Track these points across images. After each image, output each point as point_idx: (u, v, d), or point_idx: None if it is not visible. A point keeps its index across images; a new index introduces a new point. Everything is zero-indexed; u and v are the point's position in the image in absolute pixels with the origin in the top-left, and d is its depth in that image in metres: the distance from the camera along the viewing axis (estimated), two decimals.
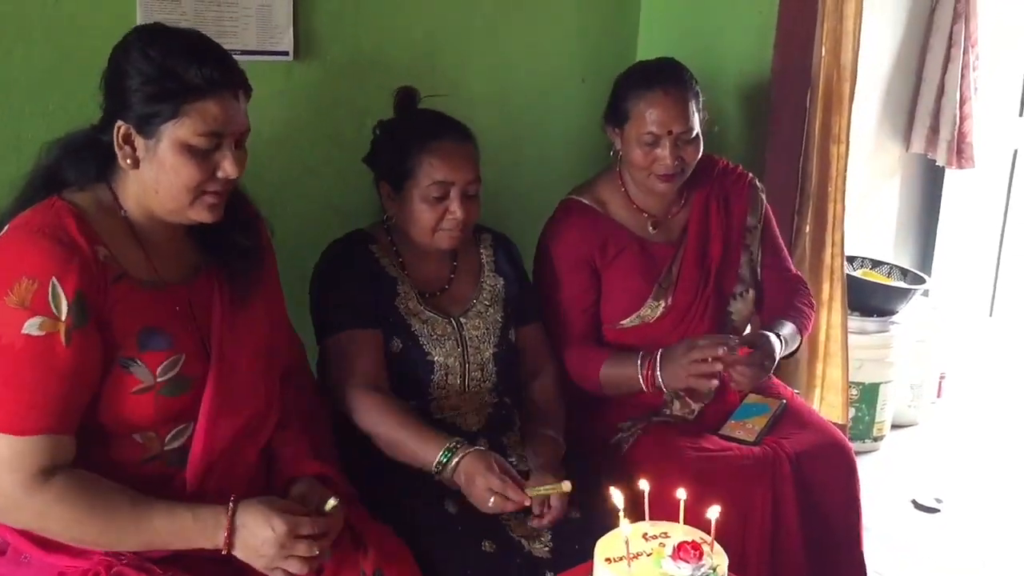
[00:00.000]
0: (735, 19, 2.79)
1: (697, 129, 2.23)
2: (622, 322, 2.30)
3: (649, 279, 2.29)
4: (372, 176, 2.14)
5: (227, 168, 1.52)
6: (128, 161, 1.50)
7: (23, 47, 1.92)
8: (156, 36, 1.50)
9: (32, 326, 1.39)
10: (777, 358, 2.22)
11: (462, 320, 2.10)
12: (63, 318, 1.40)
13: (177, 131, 1.47)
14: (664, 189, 2.26)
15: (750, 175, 2.44)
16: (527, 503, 1.81)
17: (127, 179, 1.53)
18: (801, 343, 2.39)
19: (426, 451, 1.88)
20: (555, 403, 2.18)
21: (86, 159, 1.53)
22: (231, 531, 1.48)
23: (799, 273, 2.53)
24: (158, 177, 1.50)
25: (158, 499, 1.49)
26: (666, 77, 2.23)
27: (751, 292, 2.39)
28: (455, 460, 1.85)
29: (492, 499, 1.80)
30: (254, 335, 1.66)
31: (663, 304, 2.28)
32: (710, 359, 2.10)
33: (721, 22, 2.82)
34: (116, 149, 1.49)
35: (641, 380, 2.19)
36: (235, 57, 2.09)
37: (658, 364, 2.17)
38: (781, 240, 2.50)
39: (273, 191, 2.27)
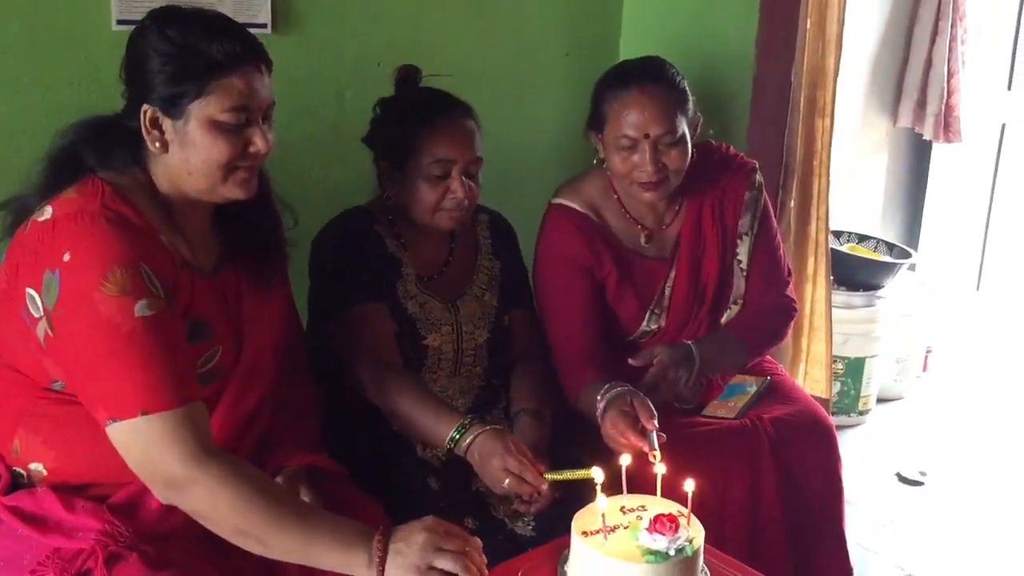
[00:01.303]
0: None
1: (682, 131, 2.07)
2: (630, 338, 2.23)
3: (642, 301, 2.19)
4: (358, 153, 2.10)
5: (258, 143, 1.52)
6: (157, 145, 1.49)
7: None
8: (173, 17, 1.49)
9: (143, 308, 1.40)
10: (686, 369, 2.08)
11: (458, 304, 2.08)
12: (161, 295, 1.43)
13: (205, 109, 1.46)
14: (649, 199, 2.12)
15: (750, 164, 2.28)
16: (544, 487, 1.76)
17: (157, 164, 1.52)
18: (745, 365, 2.29)
19: (439, 427, 1.86)
20: (540, 384, 2.13)
21: (112, 144, 1.51)
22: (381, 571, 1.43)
23: (789, 293, 2.34)
24: (189, 157, 1.49)
25: (316, 507, 1.54)
26: (643, 75, 2.08)
27: (741, 302, 2.27)
28: (468, 438, 1.82)
29: (507, 480, 1.76)
30: (273, 324, 1.68)
31: (657, 327, 2.21)
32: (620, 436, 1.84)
33: None
34: (144, 134, 1.48)
35: (596, 416, 1.95)
36: None
37: (600, 412, 1.92)
38: (781, 246, 2.35)
39: None
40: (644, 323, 2.21)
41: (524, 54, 2.76)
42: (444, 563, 1.42)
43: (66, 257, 1.39)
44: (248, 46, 1.51)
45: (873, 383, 3.69)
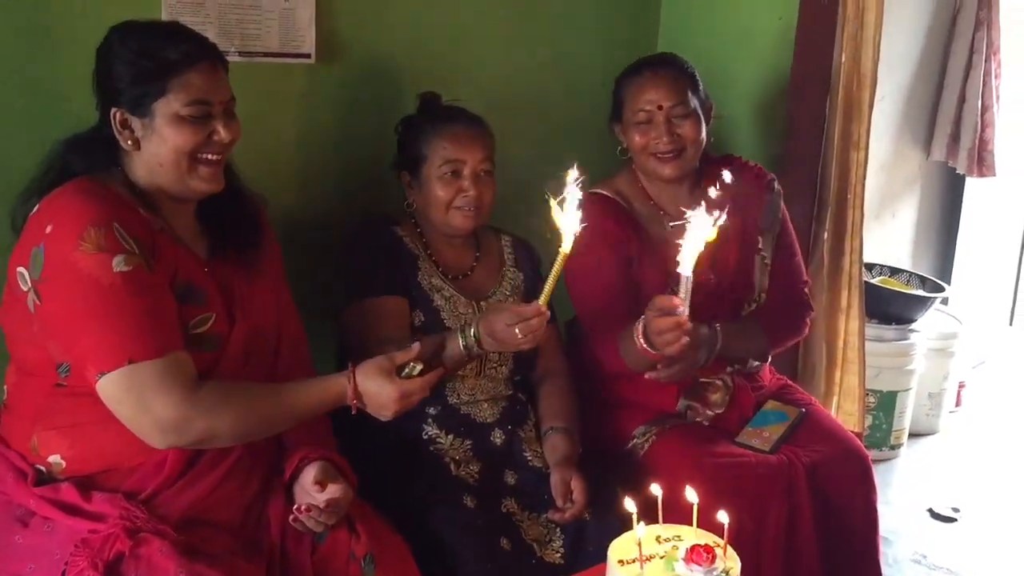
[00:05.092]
0: (755, 23, 2.80)
1: (694, 106, 2.23)
2: None
3: (665, 275, 2.22)
4: (393, 177, 2.19)
5: (221, 131, 1.64)
6: (129, 143, 1.62)
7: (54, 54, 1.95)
8: (131, 29, 1.63)
9: (120, 263, 1.52)
10: (707, 349, 2.14)
11: (483, 305, 2.12)
12: (137, 252, 1.54)
13: (168, 106, 1.59)
14: (668, 172, 2.25)
15: (769, 176, 2.41)
16: (544, 310, 1.77)
17: (133, 161, 1.64)
18: (766, 353, 2.35)
19: (451, 349, 1.87)
20: (569, 402, 2.19)
21: (93, 151, 1.64)
22: (358, 397, 1.66)
23: (806, 292, 2.43)
24: (158, 151, 1.61)
25: (284, 383, 1.70)
26: (655, 61, 2.29)
27: (763, 297, 2.35)
28: (472, 330, 1.84)
29: (517, 330, 1.77)
30: (265, 310, 1.77)
31: None
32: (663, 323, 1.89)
33: (741, 25, 2.83)
34: (116, 135, 1.61)
35: (638, 346, 1.99)
36: (257, 59, 2.14)
37: (640, 327, 1.98)
38: (798, 252, 2.44)
39: (293, 193, 2.29)
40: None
41: (562, 83, 2.79)
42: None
43: (48, 229, 1.53)
44: (201, 45, 1.64)
45: (905, 417, 3.66)
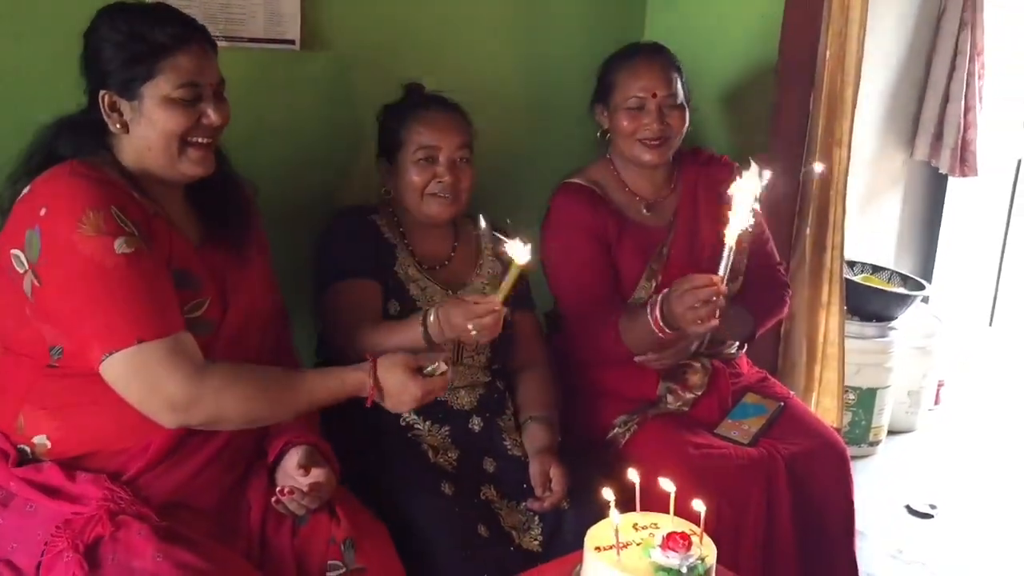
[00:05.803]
0: (740, 18, 2.80)
1: (681, 98, 2.28)
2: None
3: (642, 260, 2.29)
4: (375, 165, 2.19)
5: (210, 114, 1.63)
6: (118, 126, 1.60)
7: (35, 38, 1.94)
8: (119, 11, 1.62)
9: (121, 245, 1.51)
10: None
11: (459, 294, 2.12)
12: (136, 234, 1.53)
13: (157, 88, 1.59)
14: (651, 158, 2.28)
15: (736, 164, 2.42)
16: (499, 306, 1.75)
17: (122, 144, 1.63)
18: (754, 334, 2.38)
19: (409, 332, 1.87)
20: (548, 391, 2.20)
21: (82, 135, 1.63)
22: (378, 390, 1.66)
23: (782, 272, 2.49)
24: (147, 134, 1.61)
25: (300, 371, 1.70)
26: (650, 49, 2.34)
27: (739, 279, 2.38)
28: (431, 318, 1.84)
29: (470, 325, 1.76)
30: (255, 295, 1.76)
31: (654, 284, 2.27)
32: (702, 293, 1.93)
33: (727, 20, 2.83)
34: (105, 117, 1.60)
35: (651, 323, 2.07)
36: (242, 44, 2.13)
37: (658, 304, 2.05)
38: (771, 238, 2.49)
39: (274, 180, 2.27)
40: (642, 280, 2.28)
41: (546, 75, 2.79)
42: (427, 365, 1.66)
43: (42, 212, 1.51)
44: (190, 28, 1.63)
45: (884, 414, 3.68)
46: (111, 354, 1.50)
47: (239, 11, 2.14)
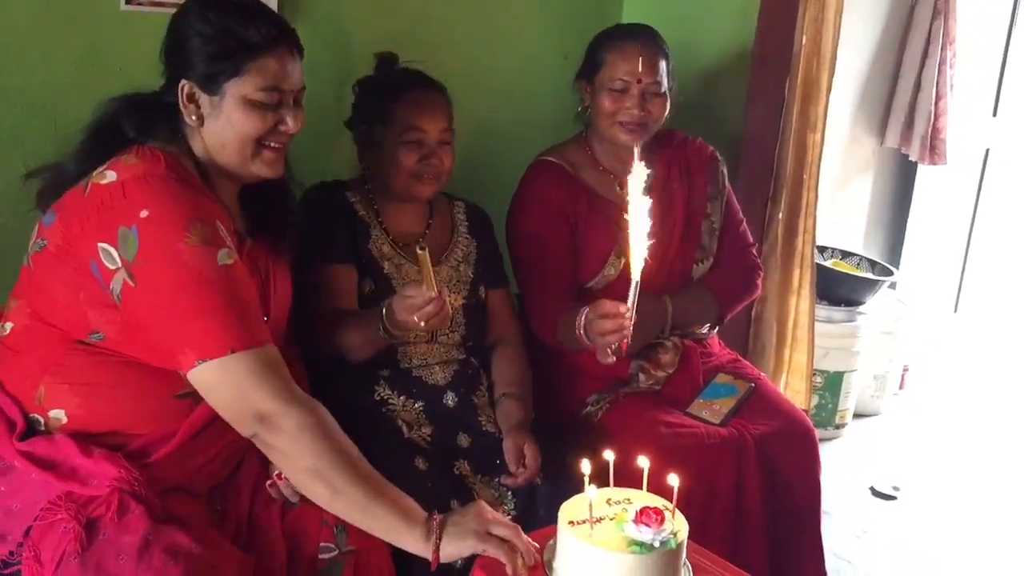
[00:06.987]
0: (717, 1, 2.81)
1: (665, 87, 2.28)
2: (588, 284, 2.32)
3: (612, 237, 2.28)
4: (351, 139, 2.17)
5: (289, 122, 1.62)
6: (194, 118, 1.59)
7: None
8: (212, 1, 1.59)
9: (223, 257, 1.52)
10: (658, 326, 2.27)
11: (437, 269, 2.12)
12: (233, 248, 1.55)
13: (240, 87, 1.57)
14: (627, 140, 2.27)
15: (711, 148, 2.47)
16: (434, 294, 1.76)
17: (195, 136, 1.62)
18: (722, 317, 2.41)
19: (372, 323, 1.89)
20: (521, 369, 2.21)
21: (153, 119, 1.60)
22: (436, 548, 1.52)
23: (755, 253, 2.52)
24: (223, 132, 1.59)
25: (379, 475, 1.56)
26: (642, 33, 2.32)
27: (711, 260, 2.41)
28: (383, 311, 1.86)
29: (416, 316, 1.78)
30: (284, 297, 1.78)
31: (623, 260, 2.27)
32: (608, 324, 1.94)
33: (704, 4, 2.84)
34: (182, 107, 1.59)
35: (578, 335, 2.05)
36: None
37: (584, 316, 2.03)
38: (742, 217, 2.50)
39: None
40: (612, 257, 2.29)
41: (523, 54, 2.79)
42: (500, 531, 1.50)
43: (143, 214, 1.48)
44: (284, 30, 1.62)
45: (851, 398, 3.73)
46: (205, 361, 1.49)
47: None
